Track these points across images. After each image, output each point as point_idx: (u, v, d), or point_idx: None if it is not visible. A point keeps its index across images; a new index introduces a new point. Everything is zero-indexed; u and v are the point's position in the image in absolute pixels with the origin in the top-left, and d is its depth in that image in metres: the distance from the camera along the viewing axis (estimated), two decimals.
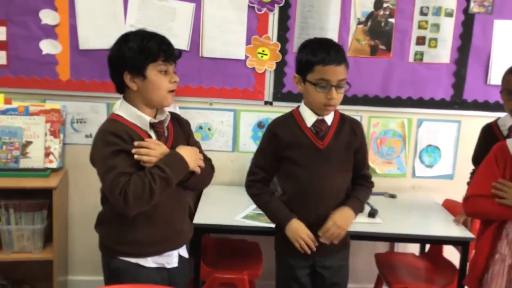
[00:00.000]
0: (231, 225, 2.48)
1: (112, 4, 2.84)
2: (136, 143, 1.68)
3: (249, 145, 3.09)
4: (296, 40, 2.94)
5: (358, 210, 2.02)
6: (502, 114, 2.46)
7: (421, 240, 2.76)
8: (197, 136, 3.02)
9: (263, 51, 2.96)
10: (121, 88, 1.77)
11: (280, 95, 3.01)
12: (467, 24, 2.95)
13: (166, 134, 1.82)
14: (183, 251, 1.93)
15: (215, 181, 3.04)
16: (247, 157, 3.05)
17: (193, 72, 2.96)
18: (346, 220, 1.96)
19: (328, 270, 2.07)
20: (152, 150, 1.69)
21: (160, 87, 1.73)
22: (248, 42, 2.94)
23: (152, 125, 1.77)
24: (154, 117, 1.79)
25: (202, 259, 2.56)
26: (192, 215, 2.51)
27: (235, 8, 2.89)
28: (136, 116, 1.75)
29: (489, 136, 2.42)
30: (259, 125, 3.08)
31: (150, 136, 1.76)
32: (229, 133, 3.08)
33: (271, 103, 3.02)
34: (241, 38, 2.93)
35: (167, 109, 1.91)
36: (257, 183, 2.07)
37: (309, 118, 1.97)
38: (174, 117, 1.90)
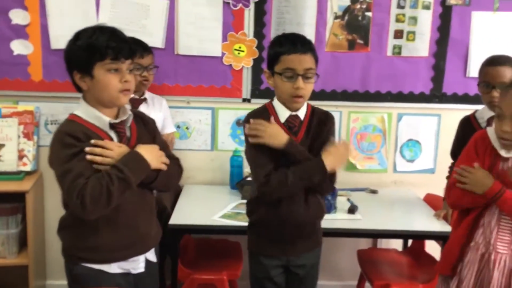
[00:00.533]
0: (209, 225, 2.43)
1: (84, 2, 2.79)
2: (92, 141, 1.61)
3: (228, 143, 3.05)
4: (273, 36, 2.87)
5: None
6: (481, 107, 2.44)
7: (401, 235, 2.73)
8: (175, 135, 3.01)
9: (240, 47, 2.92)
10: (78, 88, 1.70)
11: (258, 92, 2.96)
12: (444, 17, 2.92)
13: (129, 135, 1.75)
14: (151, 256, 1.86)
15: (194, 181, 3.08)
16: (226, 155, 3.01)
17: (169, 70, 2.91)
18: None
19: (302, 268, 2.05)
20: (108, 151, 1.62)
21: (109, 87, 1.64)
22: (224, 38, 2.90)
23: (113, 126, 1.70)
24: (116, 117, 1.72)
25: (180, 261, 2.52)
26: (168, 216, 2.47)
27: (210, 4, 2.85)
28: (94, 116, 1.68)
29: (468, 129, 2.40)
30: (238, 122, 3.04)
31: (110, 137, 1.69)
32: (207, 131, 3.04)
33: (249, 100, 2.98)
34: (217, 34, 2.89)
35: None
36: (272, 174, 1.86)
37: (283, 113, 1.93)
38: (138, 116, 1.83)
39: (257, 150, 1.89)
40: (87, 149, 1.60)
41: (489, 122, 2.34)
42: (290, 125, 1.92)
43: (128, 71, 1.67)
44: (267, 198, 1.90)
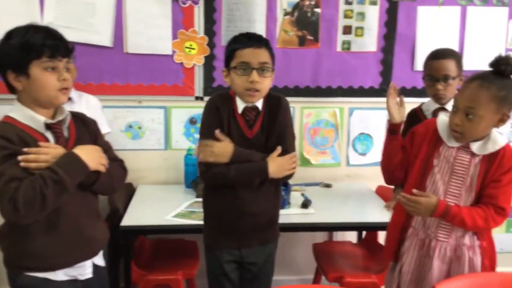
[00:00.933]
0: (162, 225, 2.40)
1: (27, 1, 2.70)
2: (24, 150, 1.55)
3: (182, 142, 3.02)
4: (224, 33, 2.89)
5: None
6: (428, 99, 2.50)
7: (354, 228, 2.78)
8: (127, 136, 2.97)
9: (191, 45, 2.90)
10: (11, 89, 1.63)
11: (210, 89, 2.95)
12: (391, 12, 2.99)
13: (67, 135, 1.69)
14: (98, 260, 1.81)
15: (148, 181, 3.04)
16: (180, 154, 2.99)
17: (119, 69, 2.86)
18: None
19: (255, 266, 2.07)
20: (42, 155, 1.56)
21: (46, 86, 1.59)
22: (175, 36, 2.87)
23: (49, 126, 1.64)
24: (53, 117, 1.66)
25: (135, 262, 2.49)
26: (120, 217, 2.43)
27: (158, 1, 2.81)
28: (29, 117, 1.61)
29: (415, 121, 2.45)
30: (191, 121, 3.02)
31: (46, 138, 1.63)
32: (160, 130, 3.00)
33: (201, 98, 2.96)
34: (167, 32, 2.86)
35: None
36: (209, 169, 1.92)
37: (240, 105, 1.95)
38: (78, 117, 1.78)
39: (206, 129, 1.94)
40: (20, 157, 1.54)
41: (434, 114, 2.39)
42: (246, 117, 1.95)
43: (65, 69, 1.62)
44: (208, 184, 1.96)
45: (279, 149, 1.93)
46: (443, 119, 1.88)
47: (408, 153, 1.95)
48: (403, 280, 1.93)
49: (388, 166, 1.98)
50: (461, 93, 1.78)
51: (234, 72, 1.88)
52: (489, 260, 1.86)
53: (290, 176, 2.00)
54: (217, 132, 1.91)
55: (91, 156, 1.64)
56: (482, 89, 1.71)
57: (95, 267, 1.78)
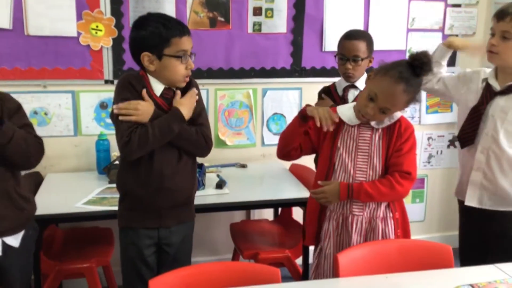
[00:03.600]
0: (72, 212, 2.33)
1: None
2: None
3: (93, 128, 2.93)
4: (132, 14, 2.82)
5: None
6: (337, 79, 2.58)
7: (268, 205, 2.82)
8: (32, 122, 2.81)
9: (97, 26, 2.80)
10: None
11: (121, 72, 2.87)
12: None
13: None
14: (10, 240, 1.77)
15: (58, 169, 2.93)
16: (91, 140, 2.90)
17: (20, 53, 2.72)
18: None
19: (173, 247, 2.07)
20: None
21: None
22: (79, 17, 2.76)
23: None
24: None
25: (44, 252, 2.40)
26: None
27: None
28: None
29: (329, 97, 2.53)
30: (102, 105, 2.93)
31: None
32: (69, 116, 2.89)
33: (112, 82, 2.88)
34: (71, 13, 2.74)
35: None
36: (133, 131, 1.87)
37: (158, 87, 1.97)
38: None
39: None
40: None
41: (344, 91, 2.49)
42: (166, 96, 1.98)
43: None
44: (129, 157, 1.91)
45: (178, 93, 1.98)
46: (343, 106, 2.02)
47: (309, 139, 2.02)
48: (328, 262, 1.99)
49: (287, 146, 2.01)
50: (382, 90, 1.83)
51: (172, 60, 1.90)
52: (402, 230, 1.98)
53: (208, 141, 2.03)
54: (144, 91, 1.92)
55: None
56: (403, 95, 1.83)
57: (5, 246, 1.73)
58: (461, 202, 2.31)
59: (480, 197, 2.19)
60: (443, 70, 2.40)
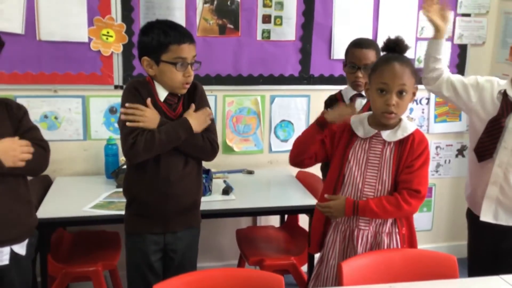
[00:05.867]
0: (79, 216, 2.35)
1: None
2: None
3: (102, 132, 2.96)
4: (142, 21, 2.84)
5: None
6: (344, 87, 2.59)
7: (273, 212, 2.83)
8: (42, 126, 2.86)
9: (108, 32, 2.83)
10: None
11: (130, 78, 2.89)
12: (308, 1, 3.05)
13: None
14: (17, 248, 1.77)
15: (67, 172, 2.96)
16: (100, 144, 2.93)
17: (31, 58, 2.76)
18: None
19: (178, 253, 2.08)
20: None
21: None
22: (91, 23, 2.80)
23: None
24: None
25: (52, 255, 2.43)
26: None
27: None
28: None
29: (335, 105, 2.52)
30: (111, 110, 2.96)
31: None
32: (78, 120, 2.92)
33: (121, 87, 2.91)
34: (82, 19, 2.77)
35: None
36: (139, 135, 1.89)
37: (162, 93, 1.99)
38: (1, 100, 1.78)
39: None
40: None
41: (351, 99, 2.49)
42: (170, 102, 2.00)
43: None
44: (134, 160, 1.93)
45: (193, 106, 1.99)
46: (356, 116, 1.98)
47: (324, 148, 2.00)
48: (329, 272, 1.98)
49: (302, 154, 1.99)
50: (392, 77, 1.81)
51: (168, 66, 1.91)
52: (409, 246, 1.94)
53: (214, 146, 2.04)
54: (149, 100, 1.94)
55: (6, 155, 1.64)
56: (406, 66, 1.82)
57: (14, 254, 1.72)
58: (470, 213, 2.28)
59: (495, 212, 2.14)
60: (443, 66, 2.25)
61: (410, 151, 1.88)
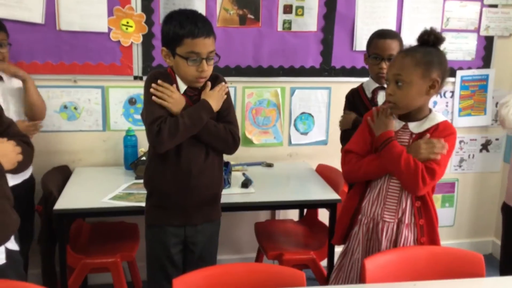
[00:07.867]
0: (98, 207, 2.34)
1: None
2: None
3: (121, 123, 2.95)
4: (162, 11, 2.82)
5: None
6: (366, 79, 2.53)
7: (293, 206, 2.78)
8: (62, 116, 2.86)
9: (128, 22, 2.81)
10: None
11: (150, 69, 2.88)
12: None
13: None
14: (11, 244, 1.70)
15: (86, 163, 2.96)
16: (119, 135, 2.92)
17: (51, 47, 2.75)
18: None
19: (199, 245, 2.06)
20: None
21: None
22: (110, 13, 2.78)
23: None
24: None
25: (71, 246, 2.43)
26: (54, 201, 2.35)
27: None
28: None
29: (357, 99, 2.48)
30: (130, 101, 2.94)
31: None
32: (98, 111, 2.91)
33: (141, 78, 2.89)
34: (102, 9, 2.75)
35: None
36: (163, 122, 1.88)
37: (182, 86, 1.97)
38: None
39: (154, 106, 1.90)
40: None
41: (373, 93, 2.43)
42: (189, 94, 1.98)
43: None
44: (160, 148, 1.90)
45: (209, 84, 1.97)
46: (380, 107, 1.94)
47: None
48: (353, 266, 1.95)
49: (366, 178, 1.95)
50: (390, 66, 1.85)
51: (182, 60, 1.88)
52: (428, 238, 1.88)
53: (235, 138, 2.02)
54: (174, 86, 1.93)
55: (7, 158, 1.59)
56: (407, 57, 1.79)
57: (8, 251, 1.67)
58: (507, 208, 2.21)
59: None
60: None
61: (433, 136, 1.82)
